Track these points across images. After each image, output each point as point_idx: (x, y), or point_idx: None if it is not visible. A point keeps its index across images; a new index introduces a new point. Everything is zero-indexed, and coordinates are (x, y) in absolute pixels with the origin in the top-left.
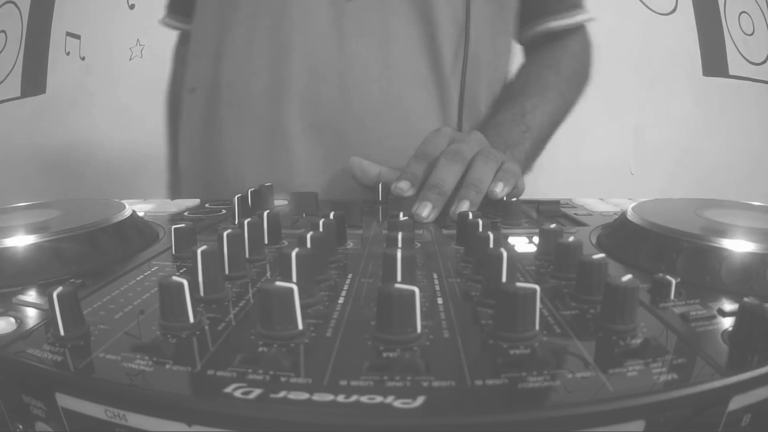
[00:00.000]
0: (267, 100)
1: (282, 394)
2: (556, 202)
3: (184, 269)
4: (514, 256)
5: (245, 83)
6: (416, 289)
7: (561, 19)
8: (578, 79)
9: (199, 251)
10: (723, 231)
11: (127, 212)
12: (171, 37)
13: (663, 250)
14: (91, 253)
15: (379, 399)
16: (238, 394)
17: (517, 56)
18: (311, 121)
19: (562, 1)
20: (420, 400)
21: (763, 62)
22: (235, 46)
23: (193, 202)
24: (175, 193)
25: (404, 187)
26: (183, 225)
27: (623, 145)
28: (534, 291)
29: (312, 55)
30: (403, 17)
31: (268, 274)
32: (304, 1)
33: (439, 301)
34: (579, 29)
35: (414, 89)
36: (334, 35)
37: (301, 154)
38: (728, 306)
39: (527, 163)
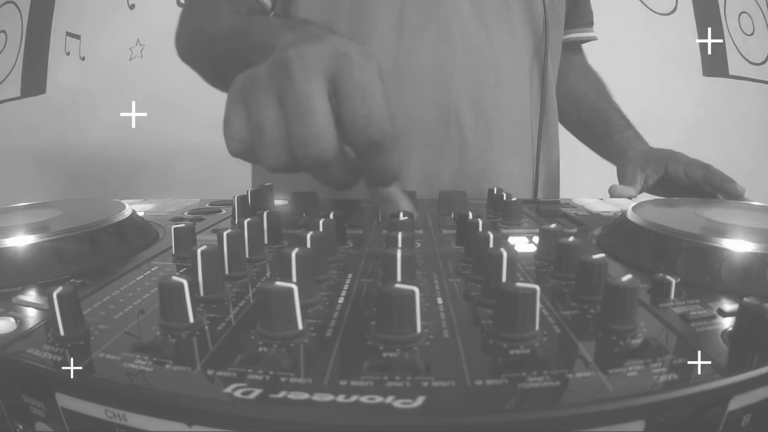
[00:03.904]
0: (435, 76)
1: (282, 394)
2: (556, 202)
3: (184, 269)
4: (514, 256)
5: (418, 58)
6: (416, 289)
7: (584, 32)
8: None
9: (199, 251)
10: (723, 231)
11: (127, 212)
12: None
13: (663, 250)
14: (91, 253)
15: (379, 399)
16: (238, 394)
17: None
18: (473, 95)
19: (585, 17)
20: (420, 400)
21: (763, 62)
22: (402, 27)
23: (193, 201)
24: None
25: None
26: (183, 225)
27: None
28: (534, 291)
29: (466, 36)
30: (518, 15)
31: (268, 274)
32: None
33: (439, 301)
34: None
35: (523, 72)
36: (481, 24)
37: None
38: (728, 306)
39: None
